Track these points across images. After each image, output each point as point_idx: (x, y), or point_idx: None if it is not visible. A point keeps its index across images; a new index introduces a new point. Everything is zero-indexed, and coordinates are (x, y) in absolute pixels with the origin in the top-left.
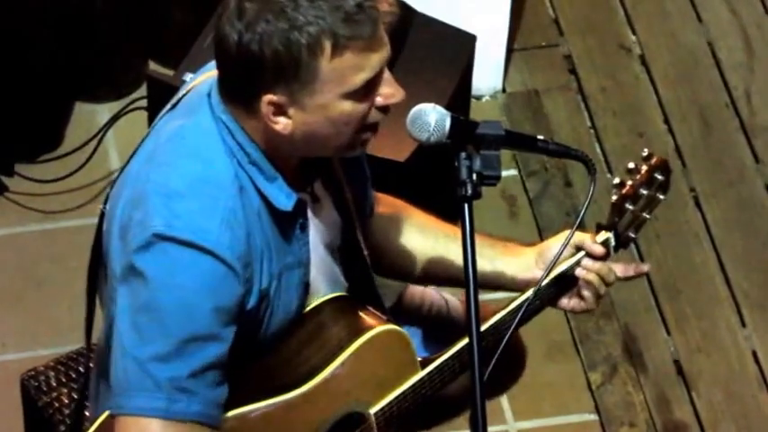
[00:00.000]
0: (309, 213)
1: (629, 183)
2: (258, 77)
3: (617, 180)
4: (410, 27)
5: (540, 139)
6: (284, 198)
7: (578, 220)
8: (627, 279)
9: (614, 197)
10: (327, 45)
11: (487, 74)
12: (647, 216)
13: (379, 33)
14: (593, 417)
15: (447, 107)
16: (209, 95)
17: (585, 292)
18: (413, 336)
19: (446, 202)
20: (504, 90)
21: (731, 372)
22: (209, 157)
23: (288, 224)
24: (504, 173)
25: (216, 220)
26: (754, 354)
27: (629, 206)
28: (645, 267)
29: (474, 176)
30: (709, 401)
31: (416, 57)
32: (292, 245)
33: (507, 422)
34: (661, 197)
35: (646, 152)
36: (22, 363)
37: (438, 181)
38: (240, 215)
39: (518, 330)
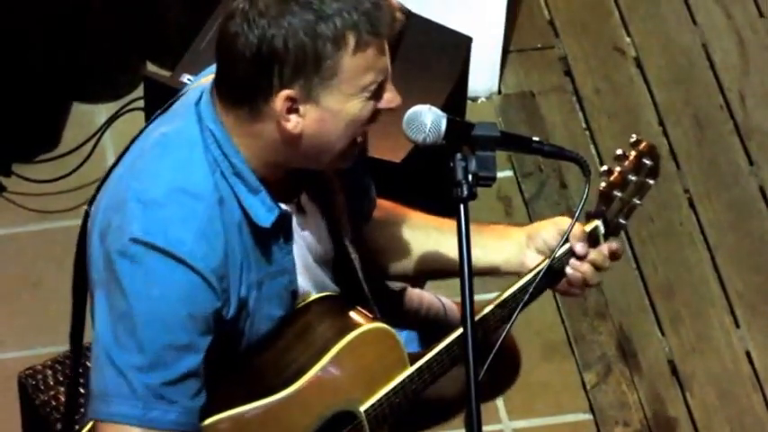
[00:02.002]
0: (296, 225)
1: (617, 170)
2: (277, 74)
3: (604, 167)
4: (406, 29)
5: (535, 141)
6: (265, 212)
7: (573, 221)
8: (613, 259)
9: (602, 185)
10: (351, 40)
11: (483, 75)
12: (638, 202)
13: (391, 36)
14: (588, 416)
15: (443, 108)
16: (197, 103)
17: (573, 276)
18: (411, 339)
19: (442, 202)
20: (499, 92)
21: (725, 372)
22: (189, 167)
23: (270, 235)
24: (500, 174)
25: (191, 231)
26: (748, 354)
27: (617, 193)
28: (614, 245)
29: (470, 177)
30: (703, 401)
31: (413, 58)
32: (274, 254)
33: (502, 421)
34: (651, 182)
35: (633, 138)
36: (19, 361)
37: (434, 182)
38: (218, 226)
39: (511, 332)
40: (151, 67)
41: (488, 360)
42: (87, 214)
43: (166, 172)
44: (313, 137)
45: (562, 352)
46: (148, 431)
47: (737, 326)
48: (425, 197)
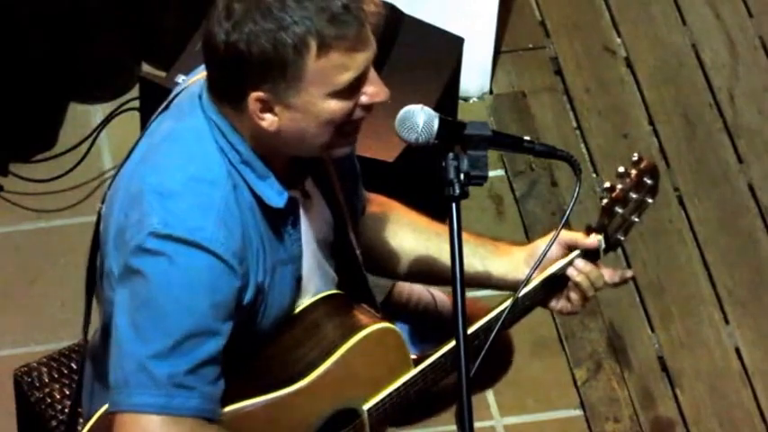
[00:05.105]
0: (301, 210)
1: (619, 187)
2: (245, 75)
3: (607, 184)
4: (399, 29)
5: (526, 140)
6: (276, 196)
7: (564, 219)
8: (614, 285)
9: (604, 201)
10: (313, 45)
11: (475, 75)
12: (636, 219)
13: (364, 33)
14: (579, 412)
15: (435, 108)
16: (200, 97)
17: (573, 295)
18: (400, 331)
19: (434, 201)
20: (491, 91)
21: (714, 368)
22: (202, 157)
23: (280, 221)
24: (491, 173)
25: (211, 218)
26: (737, 350)
27: (618, 209)
28: (629, 273)
29: (461, 176)
30: (693, 397)
31: (405, 59)
32: (284, 241)
33: (493, 417)
34: (649, 201)
35: (636, 156)
36: (15, 359)
37: (426, 181)
38: (235, 211)
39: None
40: (147, 68)
41: (478, 360)
42: (100, 215)
43: (180, 163)
44: (291, 134)
45: (553, 349)
46: (172, 419)
47: (727, 322)
48: (418, 196)
